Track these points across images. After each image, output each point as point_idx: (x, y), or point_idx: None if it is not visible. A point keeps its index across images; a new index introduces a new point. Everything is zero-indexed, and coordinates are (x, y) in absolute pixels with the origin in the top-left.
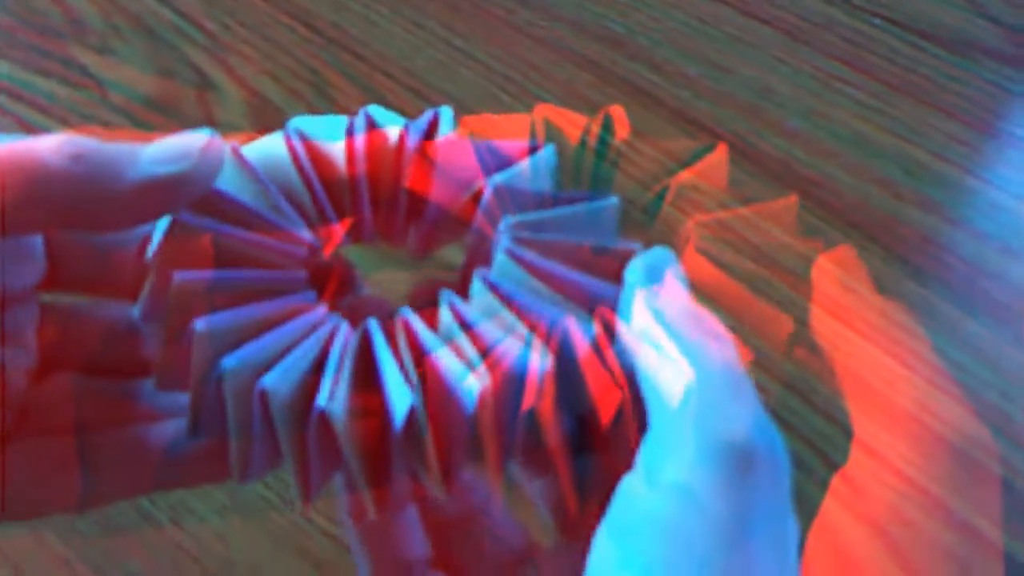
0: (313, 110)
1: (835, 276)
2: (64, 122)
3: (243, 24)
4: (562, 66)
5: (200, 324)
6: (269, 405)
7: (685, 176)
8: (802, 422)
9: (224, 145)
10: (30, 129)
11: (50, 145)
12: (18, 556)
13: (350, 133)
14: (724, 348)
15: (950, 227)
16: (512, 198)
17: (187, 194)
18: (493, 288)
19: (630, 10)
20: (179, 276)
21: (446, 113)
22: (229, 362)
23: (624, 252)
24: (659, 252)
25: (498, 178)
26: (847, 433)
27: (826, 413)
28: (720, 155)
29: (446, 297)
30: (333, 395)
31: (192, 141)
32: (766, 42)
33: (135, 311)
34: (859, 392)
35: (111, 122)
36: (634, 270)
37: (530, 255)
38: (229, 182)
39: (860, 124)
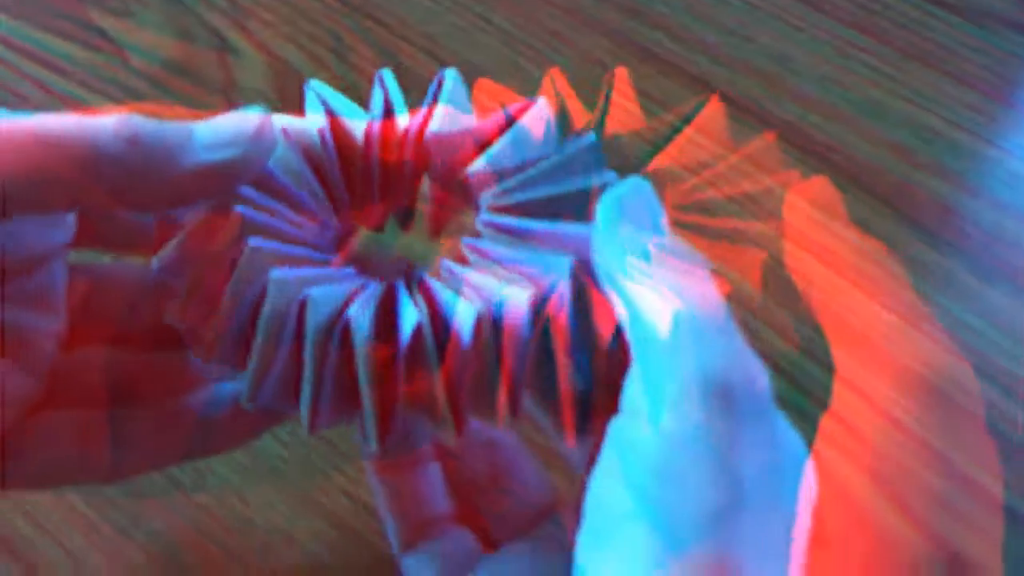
0: (334, 75)
1: (808, 212)
2: (84, 84)
3: None
4: (581, 33)
5: (253, 241)
6: (306, 315)
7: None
8: (798, 371)
9: (276, 127)
10: (49, 92)
11: (106, 126)
12: (41, 516)
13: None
14: (701, 280)
15: (967, 195)
16: (496, 172)
17: (239, 179)
18: (477, 250)
19: None
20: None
21: (450, 75)
22: (276, 273)
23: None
24: (632, 183)
25: (480, 161)
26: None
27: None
28: (715, 107)
29: (444, 264)
30: (362, 312)
31: (245, 123)
32: (784, 9)
33: (154, 262)
34: (836, 328)
35: (131, 85)
36: (607, 204)
37: (507, 220)
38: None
39: (875, 91)
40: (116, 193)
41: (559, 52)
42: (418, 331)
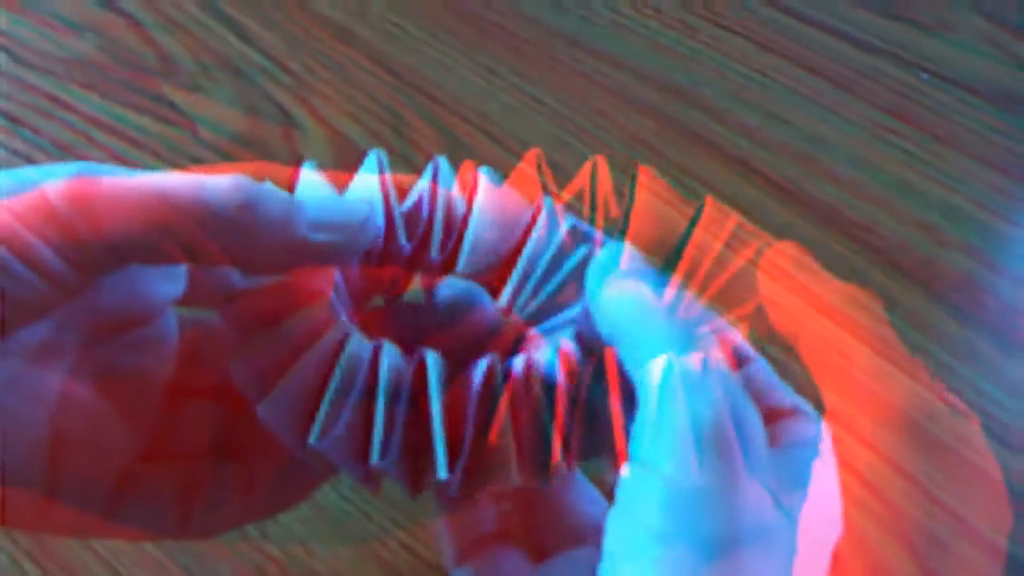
0: (392, 150)
1: (786, 263)
2: (156, 155)
3: (325, 66)
4: (627, 113)
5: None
6: (381, 356)
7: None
8: None
9: (378, 221)
10: (122, 161)
11: (221, 187)
12: (114, 558)
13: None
14: (693, 328)
15: (989, 271)
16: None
17: (336, 261)
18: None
19: (692, 62)
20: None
21: (485, 171)
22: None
23: None
24: (612, 248)
25: (504, 299)
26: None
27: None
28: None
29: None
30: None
31: (352, 211)
32: (819, 93)
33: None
34: (822, 369)
35: (200, 156)
36: (593, 271)
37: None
38: None
39: (906, 172)
40: (225, 251)
41: (607, 132)
42: (491, 369)
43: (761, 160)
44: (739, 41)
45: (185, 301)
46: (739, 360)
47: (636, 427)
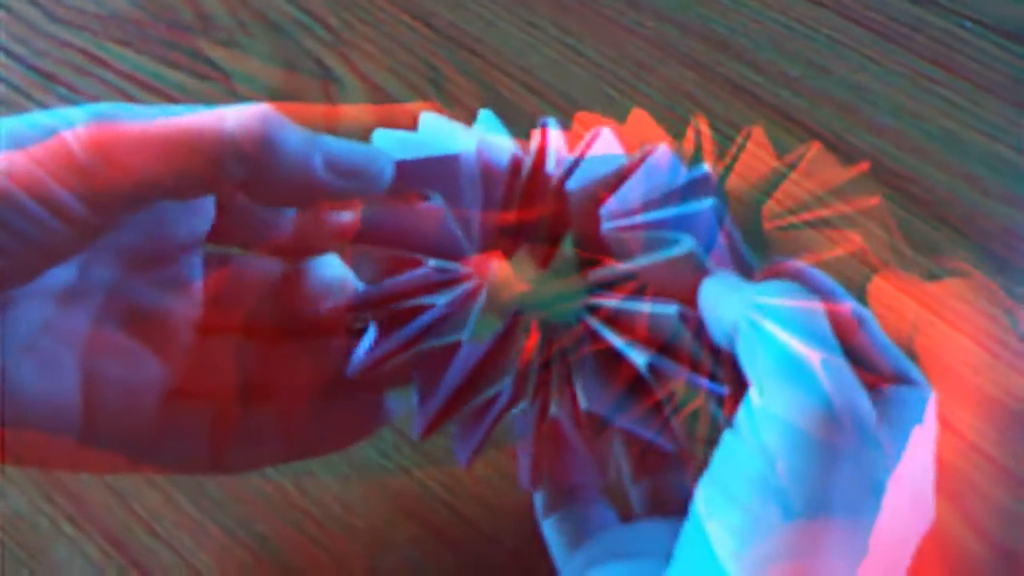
0: (431, 104)
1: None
2: None
3: (364, 21)
4: (668, 65)
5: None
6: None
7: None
8: None
9: (390, 168)
10: None
11: (243, 120)
12: (152, 518)
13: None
14: (813, 316)
15: None
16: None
17: (348, 204)
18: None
19: (733, 12)
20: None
21: (552, 123)
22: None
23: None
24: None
25: (611, 203)
26: None
27: None
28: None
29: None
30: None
31: (369, 163)
32: (861, 43)
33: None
34: (929, 362)
35: None
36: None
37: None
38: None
39: (948, 122)
40: (244, 185)
41: (648, 83)
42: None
43: (802, 110)
44: None
45: (211, 238)
46: (849, 324)
47: (745, 403)
